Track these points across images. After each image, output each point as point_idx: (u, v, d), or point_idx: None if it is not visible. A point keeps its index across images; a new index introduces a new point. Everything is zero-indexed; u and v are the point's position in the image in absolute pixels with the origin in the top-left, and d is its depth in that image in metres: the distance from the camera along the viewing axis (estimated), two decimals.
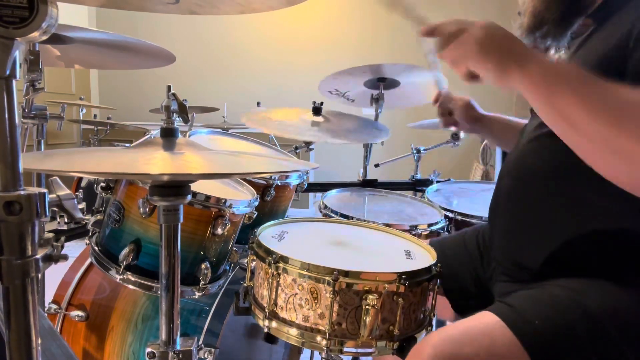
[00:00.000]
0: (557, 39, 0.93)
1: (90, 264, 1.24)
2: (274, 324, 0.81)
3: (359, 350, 0.78)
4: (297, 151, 1.94)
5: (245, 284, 0.93)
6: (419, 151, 2.09)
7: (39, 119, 1.28)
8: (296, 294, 0.78)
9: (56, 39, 1.05)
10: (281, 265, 0.79)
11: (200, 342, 1.06)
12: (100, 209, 1.09)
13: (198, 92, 4.66)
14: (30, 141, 1.31)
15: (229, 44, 4.73)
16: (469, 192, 1.82)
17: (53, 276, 1.28)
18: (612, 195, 0.79)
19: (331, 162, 4.29)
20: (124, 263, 0.96)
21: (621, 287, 0.77)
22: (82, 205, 1.28)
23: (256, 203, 1.11)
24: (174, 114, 0.74)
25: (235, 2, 0.64)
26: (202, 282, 1.01)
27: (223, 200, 0.99)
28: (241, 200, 1.05)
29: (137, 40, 1.12)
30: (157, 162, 0.62)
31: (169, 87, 0.76)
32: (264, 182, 1.27)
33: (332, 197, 1.61)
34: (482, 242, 1.10)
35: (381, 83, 1.87)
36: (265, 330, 0.82)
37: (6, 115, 0.42)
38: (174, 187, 0.65)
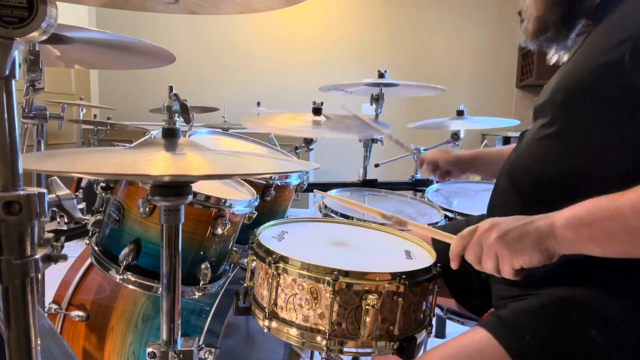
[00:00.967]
0: (560, 42, 0.93)
1: (90, 264, 1.24)
2: (274, 324, 0.81)
3: (359, 350, 0.78)
4: (297, 151, 1.94)
5: (245, 284, 0.93)
6: (419, 151, 2.09)
7: (39, 119, 1.28)
8: (296, 294, 0.78)
9: (56, 39, 1.05)
10: (281, 265, 0.79)
11: (201, 342, 1.06)
12: (100, 209, 1.09)
13: (198, 92, 4.67)
14: (30, 141, 1.31)
15: (229, 44, 4.73)
16: (469, 192, 1.82)
17: (53, 276, 1.28)
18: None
19: (331, 162, 4.29)
20: (124, 263, 0.96)
21: (616, 297, 0.77)
22: (82, 205, 1.28)
23: (256, 203, 1.11)
24: (176, 114, 0.74)
25: (236, 2, 0.64)
26: (202, 282, 1.01)
27: (223, 200, 0.99)
28: (241, 200, 1.05)
29: (137, 40, 1.12)
30: (158, 163, 0.62)
31: (170, 88, 0.76)
32: (264, 182, 1.27)
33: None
34: None
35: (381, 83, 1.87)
36: (265, 330, 0.82)
37: (6, 115, 0.42)
38: (175, 187, 0.65)
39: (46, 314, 1.18)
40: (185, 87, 4.60)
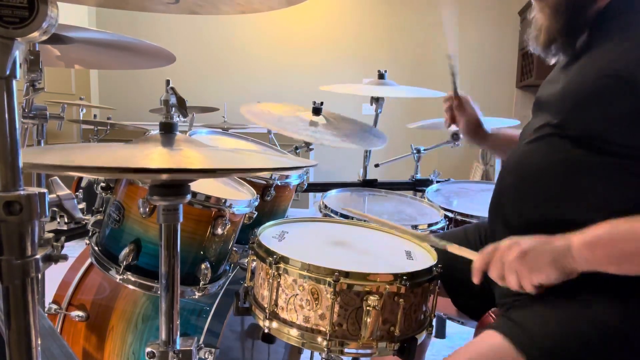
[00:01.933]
0: (569, 50, 0.94)
1: (90, 264, 1.24)
2: (274, 324, 0.81)
3: (360, 351, 0.78)
4: (297, 151, 1.94)
5: (245, 284, 0.92)
6: (419, 151, 2.09)
7: (39, 119, 1.27)
8: (297, 294, 0.78)
9: (56, 39, 1.05)
10: (282, 265, 0.79)
11: (201, 342, 1.06)
12: (100, 209, 1.09)
13: (198, 92, 4.66)
14: (30, 141, 1.31)
15: (229, 43, 4.73)
16: (469, 192, 1.82)
17: (53, 276, 1.28)
18: (614, 198, 0.79)
19: (331, 162, 4.28)
20: (124, 263, 0.96)
21: (628, 298, 0.78)
22: (82, 205, 1.28)
23: (256, 203, 1.11)
24: (173, 109, 0.74)
25: (236, 2, 0.64)
26: (202, 282, 1.01)
27: (223, 200, 0.99)
28: (241, 200, 1.05)
29: (137, 40, 1.12)
30: (155, 157, 0.62)
31: (167, 82, 0.75)
32: (264, 182, 1.27)
33: (332, 197, 1.61)
34: (484, 239, 1.10)
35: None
36: (266, 330, 0.82)
37: (6, 115, 0.42)
38: (174, 187, 0.65)
39: (46, 314, 1.18)
40: (185, 87, 4.58)
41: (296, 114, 1.50)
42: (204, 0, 0.62)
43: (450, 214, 1.47)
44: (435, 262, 0.85)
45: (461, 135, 1.95)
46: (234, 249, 1.13)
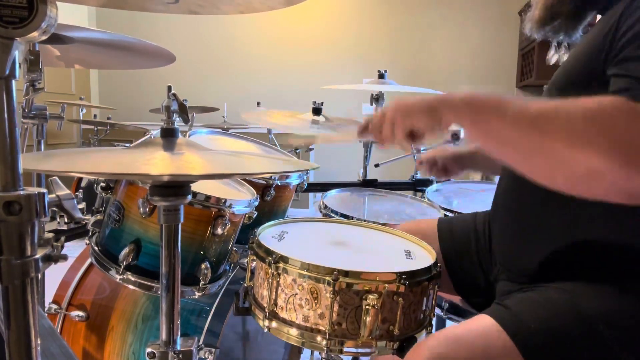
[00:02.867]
0: (569, 33, 0.92)
1: (90, 264, 1.24)
2: (274, 324, 0.81)
3: (359, 350, 0.78)
4: (297, 151, 1.94)
5: (245, 284, 0.93)
6: (419, 151, 2.09)
7: (39, 119, 1.28)
8: (296, 294, 0.78)
9: (56, 39, 1.05)
10: (281, 265, 0.79)
11: (201, 342, 1.06)
12: (100, 209, 1.09)
13: (198, 92, 4.66)
14: (30, 141, 1.31)
15: (229, 44, 4.73)
16: (469, 192, 1.82)
17: (53, 276, 1.28)
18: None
19: (331, 162, 4.28)
20: (124, 263, 0.96)
21: (618, 290, 0.77)
22: (82, 205, 1.28)
23: (256, 203, 1.11)
24: (174, 114, 0.74)
25: (235, 2, 0.64)
26: (202, 282, 1.01)
27: (223, 200, 0.99)
28: (241, 200, 1.05)
29: (137, 40, 1.12)
30: (157, 163, 0.62)
31: (169, 87, 0.76)
32: (264, 182, 1.27)
33: (332, 197, 1.61)
34: (489, 232, 1.09)
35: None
36: (265, 330, 0.82)
37: (6, 115, 0.42)
38: (175, 187, 0.65)
39: (46, 314, 1.18)
40: (185, 87, 4.60)
41: (296, 117, 1.50)
42: (204, 0, 0.62)
43: (450, 214, 1.47)
44: (434, 262, 0.85)
45: (461, 134, 1.96)
46: (234, 249, 1.13)
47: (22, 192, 0.43)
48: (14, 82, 0.43)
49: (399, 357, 0.79)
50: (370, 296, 0.74)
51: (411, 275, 0.78)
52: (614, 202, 0.61)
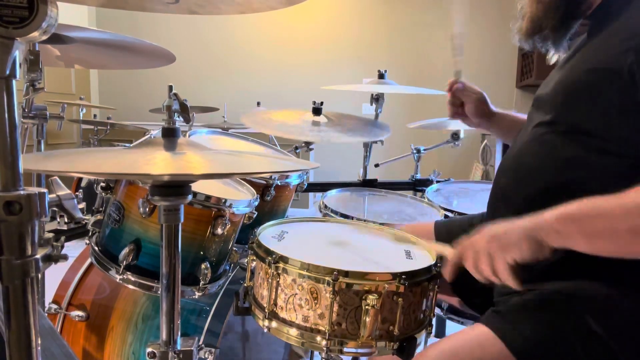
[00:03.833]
0: (556, 43, 0.94)
1: (90, 264, 1.24)
2: (273, 324, 0.81)
3: (359, 350, 0.78)
4: (297, 151, 1.93)
5: (245, 284, 0.93)
6: (419, 151, 2.09)
7: (39, 119, 1.28)
8: (296, 294, 0.78)
9: (56, 39, 1.05)
10: (281, 265, 0.79)
11: (201, 342, 1.06)
12: (100, 209, 1.09)
13: (198, 92, 4.66)
14: (30, 141, 1.31)
15: (229, 44, 4.73)
16: (469, 192, 1.82)
17: (53, 276, 1.28)
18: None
19: (331, 162, 4.28)
20: (124, 263, 0.96)
21: (615, 290, 0.78)
22: (82, 205, 1.28)
23: (256, 203, 1.11)
24: (176, 114, 0.74)
25: (235, 2, 0.64)
26: (202, 282, 1.01)
27: (223, 200, 0.99)
28: (241, 200, 1.05)
29: (137, 40, 1.12)
30: (158, 163, 0.62)
31: (170, 87, 0.76)
32: (264, 182, 1.27)
33: (332, 197, 1.61)
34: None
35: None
36: (265, 330, 0.82)
37: (6, 115, 0.42)
38: (175, 187, 0.65)
39: (46, 314, 1.18)
40: (185, 87, 4.60)
41: (297, 118, 1.50)
42: (204, 0, 0.62)
43: (450, 214, 1.47)
44: (434, 262, 0.85)
45: (461, 134, 1.96)
46: (234, 249, 1.13)
47: (22, 192, 0.43)
48: (14, 82, 0.43)
49: (398, 358, 0.80)
50: (370, 296, 0.74)
51: (411, 275, 0.78)
52: None
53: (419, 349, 0.80)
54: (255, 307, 0.86)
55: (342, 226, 1.10)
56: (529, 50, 0.98)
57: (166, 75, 4.49)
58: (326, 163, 4.29)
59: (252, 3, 0.64)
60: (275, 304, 0.81)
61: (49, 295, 1.28)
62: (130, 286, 0.98)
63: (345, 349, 0.77)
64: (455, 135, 1.94)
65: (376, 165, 2.16)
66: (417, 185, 2.05)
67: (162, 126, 0.73)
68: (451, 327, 2.14)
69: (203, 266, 1.01)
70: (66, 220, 1.24)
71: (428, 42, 4.48)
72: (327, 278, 0.75)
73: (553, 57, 1.04)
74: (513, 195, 0.93)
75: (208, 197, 0.97)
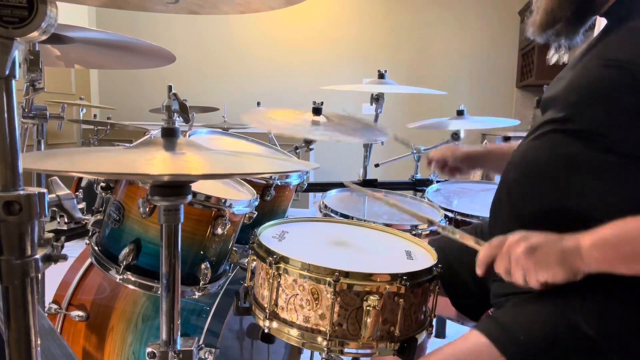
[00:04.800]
0: (569, 37, 0.93)
1: (90, 264, 1.24)
2: (274, 324, 0.81)
3: (360, 351, 0.78)
4: (297, 151, 1.93)
5: (245, 284, 0.92)
6: (419, 151, 2.09)
7: (39, 119, 1.27)
8: (297, 294, 0.78)
9: (56, 39, 1.05)
10: (282, 265, 0.79)
11: (201, 342, 1.06)
12: (100, 209, 1.09)
13: (198, 92, 4.66)
14: (30, 141, 1.31)
15: (229, 44, 4.72)
16: (469, 192, 1.82)
17: (53, 276, 1.28)
18: (614, 195, 0.79)
19: (331, 162, 4.28)
20: (124, 263, 0.96)
21: (610, 296, 0.78)
22: (82, 205, 1.28)
23: (256, 203, 1.11)
24: (175, 114, 0.74)
25: (235, 2, 0.64)
26: (202, 282, 1.01)
27: (223, 200, 0.99)
28: (241, 200, 1.05)
29: (137, 40, 1.12)
30: (157, 163, 0.62)
31: (169, 87, 0.76)
32: (264, 182, 1.27)
33: (332, 197, 1.61)
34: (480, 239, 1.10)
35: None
36: (266, 330, 0.82)
37: (6, 115, 0.42)
38: (175, 187, 0.65)
39: (46, 314, 1.18)
40: (185, 87, 4.60)
41: (296, 118, 1.50)
42: (204, 0, 0.62)
43: (450, 214, 1.47)
44: (435, 262, 0.85)
45: (461, 134, 1.96)
46: (234, 249, 1.13)
47: (22, 192, 0.43)
48: (14, 82, 0.43)
49: (399, 358, 0.79)
50: (371, 297, 0.74)
51: (412, 276, 0.78)
52: None
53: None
54: (256, 307, 0.86)
55: (342, 226, 1.10)
56: (539, 43, 0.96)
57: (166, 75, 4.49)
58: (326, 163, 4.29)
59: (252, 3, 0.64)
60: (276, 305, 0.81)
61: (49, 295, 1.28)
62: (130, 286, 0.98)
63: (346, 350, 0.77)
64: (455, 135, 1.94)
65: (376, 165, 2.16)
66: (417, 185, 2.05)
67: (162, 126, 0.73)
68: (451, 327, 2.14)
69: (203, 266, 1.01)
70: (66, 220, 1.24)
71: (428, 42, 4.48)
72: (328, 279, 0.75)
73: (553, 57, 1.04)
74: (520, 190, 0.93)
75: (208, 197, 0.97)
